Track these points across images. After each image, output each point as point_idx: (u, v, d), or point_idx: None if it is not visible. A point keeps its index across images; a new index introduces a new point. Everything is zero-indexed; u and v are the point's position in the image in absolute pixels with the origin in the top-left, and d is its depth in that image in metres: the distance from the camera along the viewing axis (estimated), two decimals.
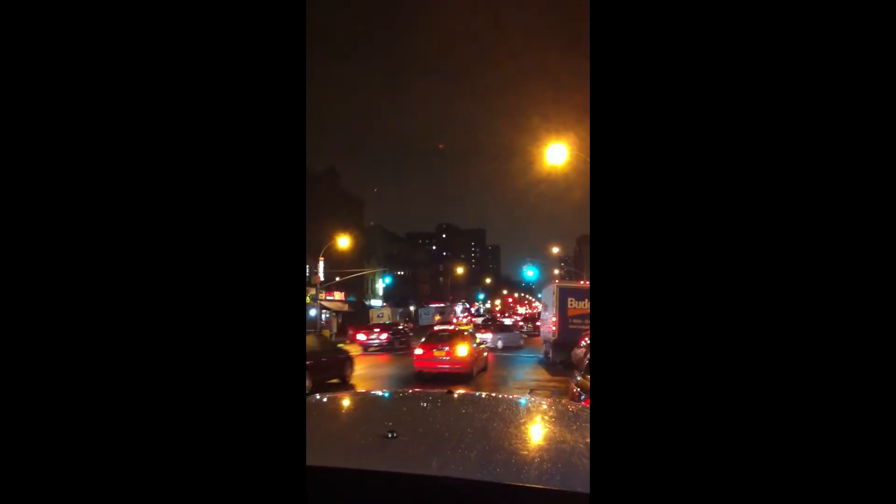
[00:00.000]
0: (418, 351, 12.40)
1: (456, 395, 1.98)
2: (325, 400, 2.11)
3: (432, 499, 0.99)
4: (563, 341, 14.33)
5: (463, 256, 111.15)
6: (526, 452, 1.29)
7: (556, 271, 49.99)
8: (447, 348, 11.81)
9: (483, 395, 2.99)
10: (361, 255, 41.17)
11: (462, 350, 11.75)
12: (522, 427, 1.61)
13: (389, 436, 1.23)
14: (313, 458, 1.16)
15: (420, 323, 39.42)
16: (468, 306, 66.88)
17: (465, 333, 13.94)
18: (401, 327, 24.92)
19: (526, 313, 58.11)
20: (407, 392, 2.49)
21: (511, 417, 1.74)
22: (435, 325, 25.12)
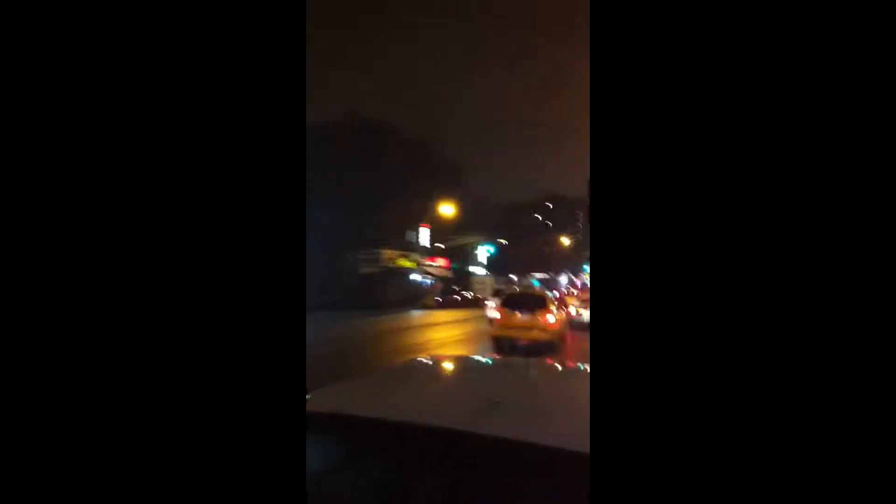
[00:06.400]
0: None
1: (550, 363, 2.00)
2: (430, 363, 2.35)
3: (541, 467, 1.03)
4: None
5: (569, 227, 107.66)
6: None
7: None
8: None
9: (581, 367, 2.64)
10: (464, 223, 41.20)
11: None
12: None
13: (495, 401, 1.30)
14: (424, 418, 1.23)
15: None
16: (573, 278, 64.85)
17: None
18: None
19: None
20: (502, 359, 2.64)
21: None
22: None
